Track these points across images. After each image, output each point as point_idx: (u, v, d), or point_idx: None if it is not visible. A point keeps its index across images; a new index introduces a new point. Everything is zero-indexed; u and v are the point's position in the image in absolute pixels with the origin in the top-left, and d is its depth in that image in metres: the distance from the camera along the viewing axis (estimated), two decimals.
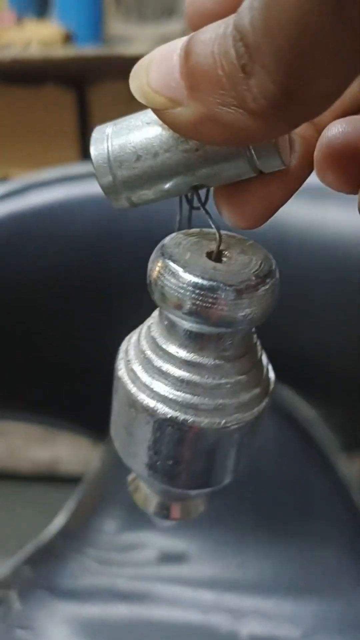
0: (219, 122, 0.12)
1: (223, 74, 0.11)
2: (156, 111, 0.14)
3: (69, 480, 1.08)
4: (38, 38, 1.13)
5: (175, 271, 0.15)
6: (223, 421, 0.17)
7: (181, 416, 0.16)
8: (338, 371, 0.43)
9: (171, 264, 0.15)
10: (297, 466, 0.43)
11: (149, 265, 0.16)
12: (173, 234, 0.17)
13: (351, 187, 0.15)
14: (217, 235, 0.16)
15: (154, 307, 0.17)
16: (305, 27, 0.10)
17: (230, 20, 0.11)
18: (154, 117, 0.14)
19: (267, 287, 0.15)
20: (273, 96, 0.11)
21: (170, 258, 0.15)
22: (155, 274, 0.16)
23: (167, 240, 0.16)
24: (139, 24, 1.43)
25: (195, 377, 0.16)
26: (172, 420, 0.17)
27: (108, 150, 0.15)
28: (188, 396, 0.17)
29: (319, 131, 0.15)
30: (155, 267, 0.15)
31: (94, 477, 0.47)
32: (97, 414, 0.43)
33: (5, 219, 0.39)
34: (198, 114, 0.12)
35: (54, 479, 1.11)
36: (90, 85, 0.84)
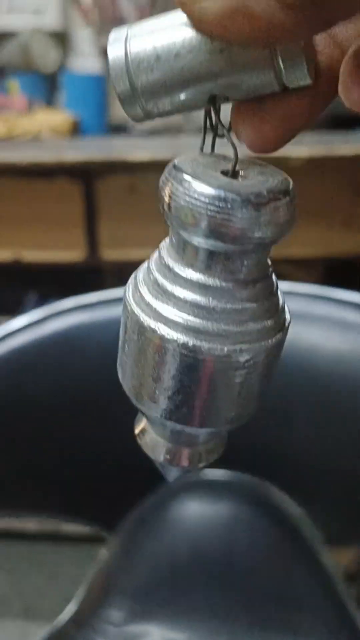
0: (248, 15, 0.11)
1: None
2: (182, 5, 0.13)
3: (73, 539, 1.11)
4: (48, 126, 1.22)
5: (187, 181, 0.14)
6: (226, 349, 0.15)
7: (182, 338, 0.16)
8: (322, 472, 0.47)
9: (183, 175, 0.14)
10: (286, 560, 0.47)
11: (161, 178, 0.15)
12: (189, 153, 0.16)
13: None
14: (234, 152, 0.15)
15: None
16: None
17: None
18: (178, 19, 0.14)
19: (283, 203, 0.14)
20: (298, 14, 0.10)
21: (182, 170, 0.15)
22: (165, 187, 0.15)
23: (181, 156, 0.15)
24: None
25: (201, 299, 0.15)
26: (172, 343, 0.16)
27: (126, 51, 0.15)
28: (191, 318, 0.16)
29: (344, 53, 0.14)
30: (167, 180, 0.15)
31: (101, 567, 0.51)
32: (107, 509, 0.48)
33: (27, 346, 0.44)
34: (227, 5, 0.11)
35: (58, 538, 1.14)
36: (97, 179, 0.92)
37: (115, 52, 0.15)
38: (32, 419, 0.44)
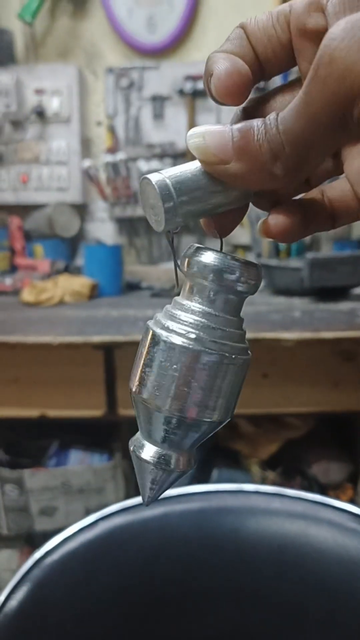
0: (252, 177, 0.20)
1: (261, 155, 0.19)
2: (207, 164, 0.21)
3: None
4: (71, 289, 1.35)
5: (202, 256, 0.23)
6: (215, 356, 0.22)
7: (179, 339, 0.22)
8: None
9: (201, 254, 0.23)
10: None
11: (185, 252, 0.23)
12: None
13: None
14: (220, 243, 0.24)
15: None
16: (309, 144, 0.19)
17: (264, 126, 0.19)
18: (194, 169, 0.21)
19: (253, 269, 0.23)
20: (287, 170, 0.19)
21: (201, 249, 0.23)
22: (188, 258, 0.23)
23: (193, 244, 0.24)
24: (149, 265, 1.70)
25: (195, 318, 0.23)
26: (172, 344, 0.22)
27: (168, 182, 0.21)
28: (188, 329, 0.22)
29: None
30: (190, 255, 0.23)
31: None
32: None
33: (80, 548, 0.51)
34: (240, 170, 0.20)
35: None
36: (116, 348, 1.02)
37: (159, 182, 0.21)
38: (91, 619, 0.49)
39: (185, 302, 0.23)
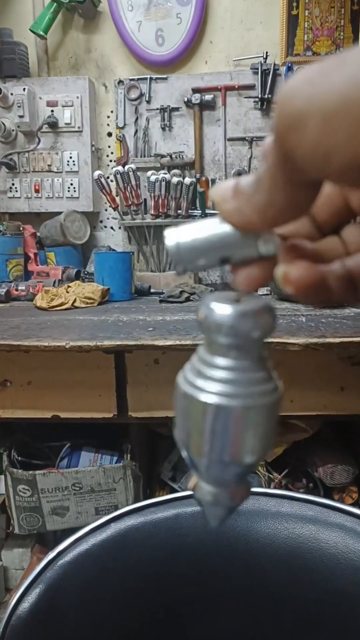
0: (241, 218, 0.21)
1: (250, 204, 0.21)
2: (217, 205, 0.22)
3: None
4: (82, 295, 1.35)
5: (212, 313, 0.23)
6: (241, 404, 0.22)
7: (204, 397, 0.22)
8: None
9: (211, 310, 0.23)
10: None
11: (199, 308, 0.23)
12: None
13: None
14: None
15: None
16: (268, 211, 0.20)
17: (246, 190, 0.21)
18: (208, 224, 0.23)
19: (267, 314, 0.23)
20: (260, 218, 0.20)
21: (211, 305, 0.23)
22: (202, 313, 0.23)
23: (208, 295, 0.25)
24: (158, 271, 1.69)
25: (224, 374, 0.22)
26: (199, 402, 0.22)
27: (178, 243, 0.23)
28: (218, 386, 0.22)
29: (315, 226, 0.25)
30: (203, 310, 0.23)
31: None
32: None
33: (93, 549, 0.50)
34: (236, 211, 0.21)
35: None
36: (127, 353, 1.02)
37: (171, 241, 0.23)
38: (104, 616, 0.48)
39: (206, 355, 0.23)
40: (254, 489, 0.55)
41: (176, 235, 0.23)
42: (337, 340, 0.89)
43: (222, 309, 0.22)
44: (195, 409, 0.23)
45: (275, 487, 1.16)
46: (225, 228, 0.22)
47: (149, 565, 0.52)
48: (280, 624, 0.51)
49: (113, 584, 0.50)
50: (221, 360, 0.23)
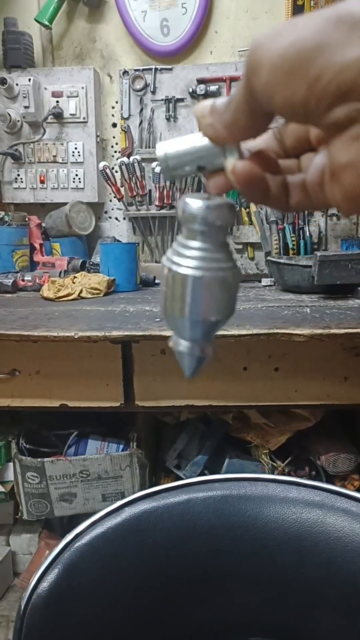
0: (213, 132, 0.26)
1: (220, 121, 0.26)
2: (198, 118, 0.27)
3: None
4: (88, 286, 1.36)
5: (188, 206, 0.28)
6: (210, 273, 0.28)
7: (182, 270, 0.28)
8: None
9: (188, 203, 0.28)
10: None
11: (178, 203, 0.29)
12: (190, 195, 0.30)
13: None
14: (206, 190, 0.30)
15: None
16: (233, 127, 0.26)
17: (219, 109, 0.26)
18: (191, 139, 0.28)
19: (227, 207, 0.28)
20: (227, 133, 0.26)
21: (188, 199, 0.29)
22: (180, 208, 0.29)
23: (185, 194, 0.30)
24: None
25: (192, 253, 0.28)
26: (178, 273, 0.28)
27: (165, 153, 0.28)
28: (190, 260, 0.28)
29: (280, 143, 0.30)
30: (180, 205, 0.29)
31: None
32: None
33: (108, 532, 0.52)
34: (210, 125, 0.26)
35: None
36: (133, 343, 1.03)
37: (161, 152, 0.28)
38: (117, 599, 0.50)
39: (183, 240, 0.29)
40: (262, 475, 0.57)
41: (165, 147, 0.29)
42: (342, 331, 0.91)
43: (195, 204, 0.28)
44: (175, 279, 0.29)
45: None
46: (203, 141, 0.27)
47: (162, 547, 0.54)
48: (287, 605, 0.53)
49: (127, 565, 0.52)
50: (194, 243, 0.29)
